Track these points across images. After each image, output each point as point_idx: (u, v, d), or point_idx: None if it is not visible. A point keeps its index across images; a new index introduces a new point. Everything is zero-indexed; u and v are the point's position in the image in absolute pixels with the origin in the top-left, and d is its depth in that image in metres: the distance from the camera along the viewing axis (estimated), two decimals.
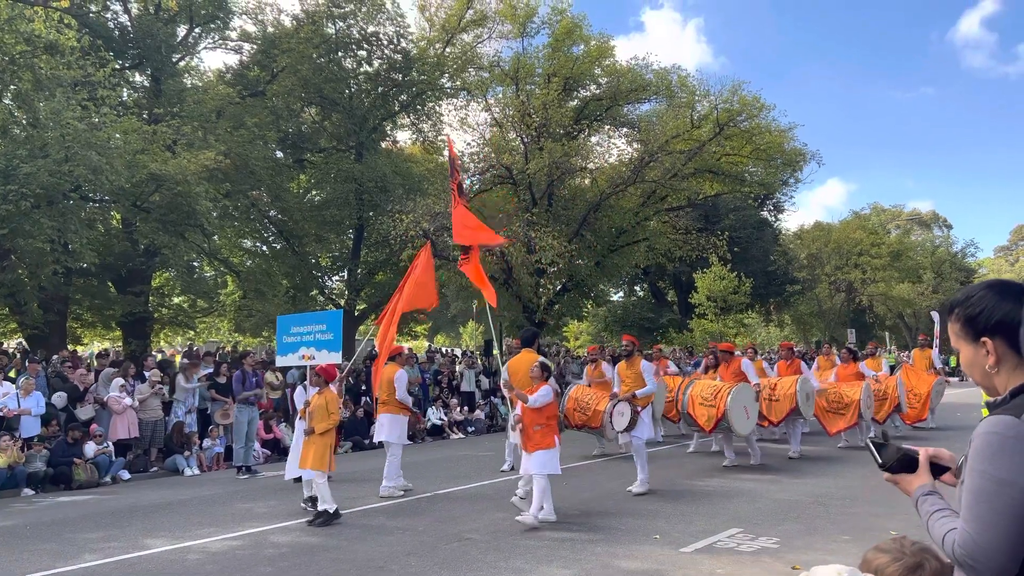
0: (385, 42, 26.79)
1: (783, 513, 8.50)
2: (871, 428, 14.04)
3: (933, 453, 1.96)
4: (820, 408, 13.70)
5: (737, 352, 13.77)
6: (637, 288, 41.98)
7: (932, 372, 16.35)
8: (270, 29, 25.48)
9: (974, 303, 1.86)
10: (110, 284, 22.37)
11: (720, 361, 12.91)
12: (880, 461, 1.98)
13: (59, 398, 12.98)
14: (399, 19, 26.83)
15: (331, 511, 8.36)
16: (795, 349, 15.20)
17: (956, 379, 31.10)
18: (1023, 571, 1.67)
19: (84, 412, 13.00)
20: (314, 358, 9.56)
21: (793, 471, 11.46)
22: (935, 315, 35.95)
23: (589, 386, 13.02)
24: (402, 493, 10.13)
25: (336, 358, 9.39)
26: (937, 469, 1.95)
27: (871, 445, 2.00)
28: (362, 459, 14.31)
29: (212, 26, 23.97)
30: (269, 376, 16.42)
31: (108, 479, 12.19)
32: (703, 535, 7.52)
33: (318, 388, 8.83)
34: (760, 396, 12.33)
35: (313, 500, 8.83)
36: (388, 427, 10.39)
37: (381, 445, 11.05)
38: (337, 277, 30.62)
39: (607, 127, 30.90)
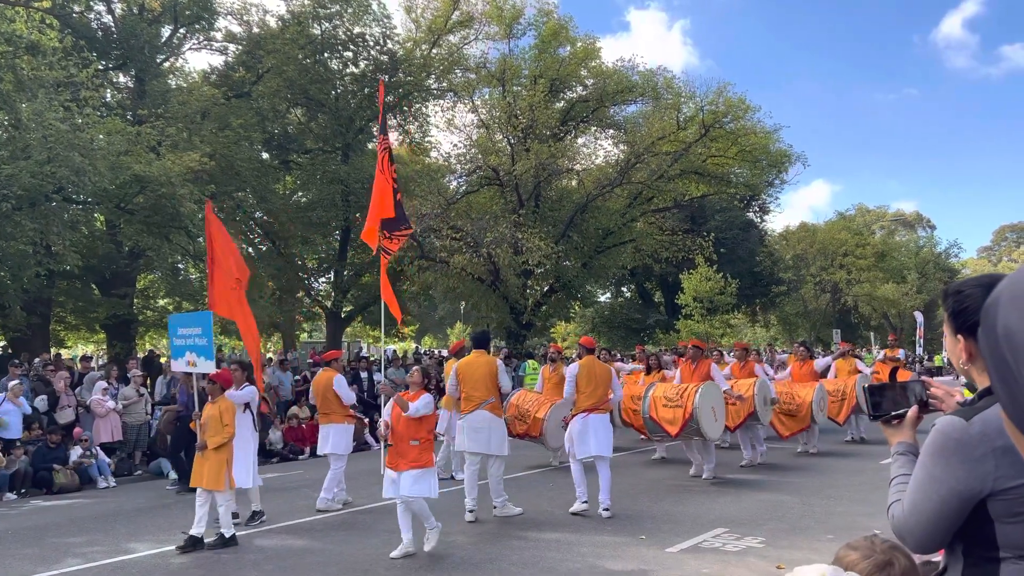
0: (371, 43, 26.74)
1: (768, 513, 8.54)
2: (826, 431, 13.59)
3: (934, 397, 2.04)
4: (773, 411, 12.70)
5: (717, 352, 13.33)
6: (624, 289, 42.08)
7: (904, 370, 16.15)
8: (255, 30, 25.37)
9: (962, 299, 1.87)
10: (94, 286, 22.20)
11: (688, 359, 11.56)
12: (871, 412, 2.05)
13: (41, 401, 12.87)
14: (385, 20, 26.81)
15: (227, 536, 7.55)
16: (750, 349, 14.12)
17: (941, 378, 31.33)
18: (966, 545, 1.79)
19: (62, 416, 12.88)
20: (197, 365, 8.63)
21: (778, 472, 11.50)
22: (919, 315, 36.34)
23: (542, 392, 11.89)
24: (340, 507, 9.40)
25: (210, 367, 8.40)
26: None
27: (865, 392, 2.06)
28: (352, 461, 14.24)
29: (197, 27, 23.82)
30: (267, 377, 16.37)
31: (102, 479, 12.10)
32: (689, 535, 7.54)
33: (211, 397, 7.85)
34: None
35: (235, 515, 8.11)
36: (334, 439, 9.51)
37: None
38: (323, 279, 30.52)
39: (593, 128, 31.00)
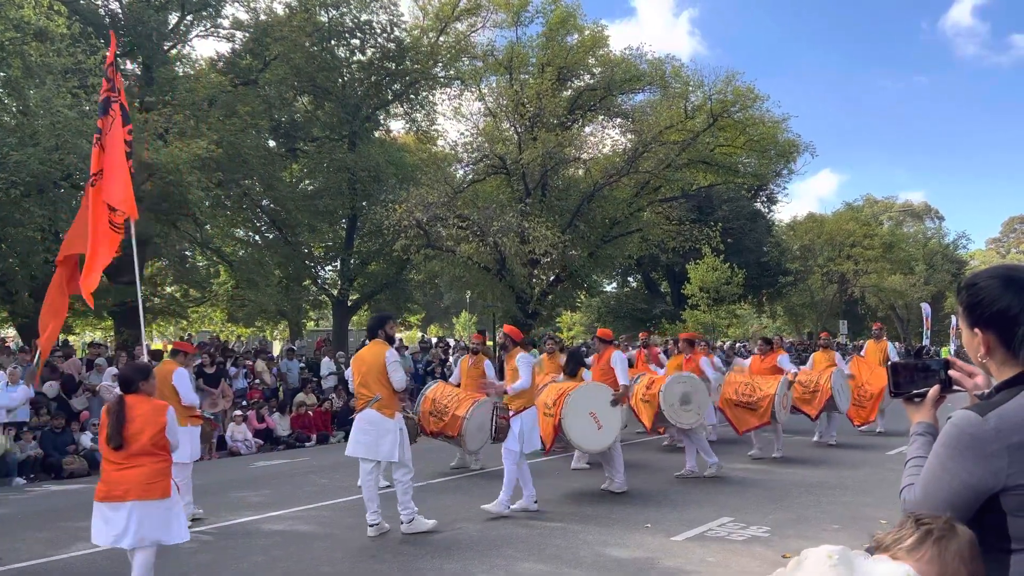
0: (378, 30, 26.69)
1: (774, 502, 8.56)
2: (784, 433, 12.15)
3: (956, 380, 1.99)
4: (726, 402, 11.44)
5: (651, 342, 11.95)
6: (630, 279, 42.04)
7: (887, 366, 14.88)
8: (262, 17, 25.31)
9: (976, 291, 1.85)
10: (102, 273, 22.30)
11: (593, 351, 9.87)
12: (892, 390, 2.03)
13: (50, 387, 12.96)
14: (392, 7, 26.73)
15: None
16: (697, 341, 12.38)
17: None
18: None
19: (79, 402, 13.00)
20: None
21: (784, 461, 11.50)
22: (926, 307, 36.24)
23: (458, 385, 10.85)
24: (190, 521, 7.19)
25: None
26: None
27: (888, 369, 2.05)
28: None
29: (204, 14, 23.79)
30: (260, 365, 16.46)
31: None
32: (694, 524, 7.56)
33: None
34: (627, 398, 9.75)
35: None
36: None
37: None
38: (330, 267, 30.60)
39: (601, 117, 30.89)
